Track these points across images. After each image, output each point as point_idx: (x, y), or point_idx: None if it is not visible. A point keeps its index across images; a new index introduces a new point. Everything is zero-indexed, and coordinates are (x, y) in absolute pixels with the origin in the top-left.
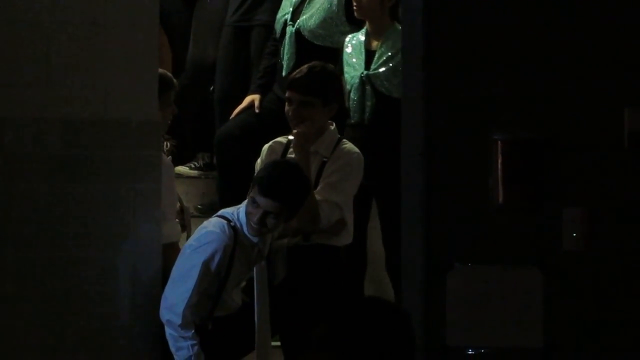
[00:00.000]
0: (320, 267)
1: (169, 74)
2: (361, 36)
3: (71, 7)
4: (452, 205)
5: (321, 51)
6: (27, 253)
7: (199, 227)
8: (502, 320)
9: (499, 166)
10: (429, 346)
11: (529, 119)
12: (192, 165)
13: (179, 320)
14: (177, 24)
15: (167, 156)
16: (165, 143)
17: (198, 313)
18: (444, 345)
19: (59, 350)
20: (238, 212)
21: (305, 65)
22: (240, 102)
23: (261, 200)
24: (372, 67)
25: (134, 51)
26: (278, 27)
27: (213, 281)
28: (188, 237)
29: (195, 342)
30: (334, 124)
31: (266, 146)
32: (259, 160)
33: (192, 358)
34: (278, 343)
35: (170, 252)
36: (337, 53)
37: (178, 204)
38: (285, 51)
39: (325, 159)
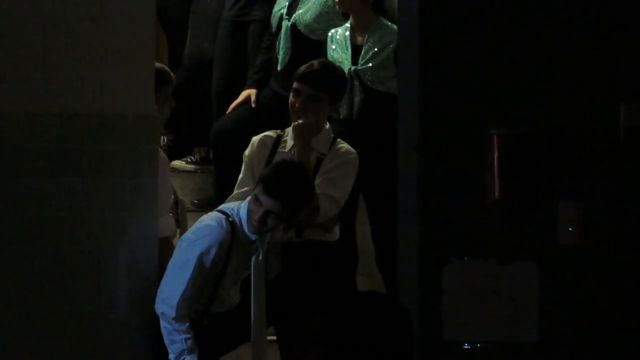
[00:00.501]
0: (315, 263)
1: (167, 69)
2: (345, 31)
3: (67, 1)
4: (448, 200)
5: (317, 45)
6: (22, 247)
7: (198, 221)
8: (498, 314)
9: (495, 161)
10: (425, 341)
11: (526, 114)
12: (189, 160)
13: (173, 313)
14: (174, 18)
15: (164, 151)
16: (161, 138)
17: (193, 307)
18: (440, 339)
19: (55, 344)
20: (239, 208)
21: (316, 61)
22: (236, 97)
23: (264, 199)
24: (360, 62)
25: (131, 45)
26: (274, 21)
27: (209, 276)
28: (182, 232)
29: (189, 336)
30: (328, 124)
31: (256, 138)
32: (247, 152)
33: (186, 352)
34: (273, 337)
35: (164, 246)
36: None
37: (173, 198)
38: (281, 45)
39: (321, 156)
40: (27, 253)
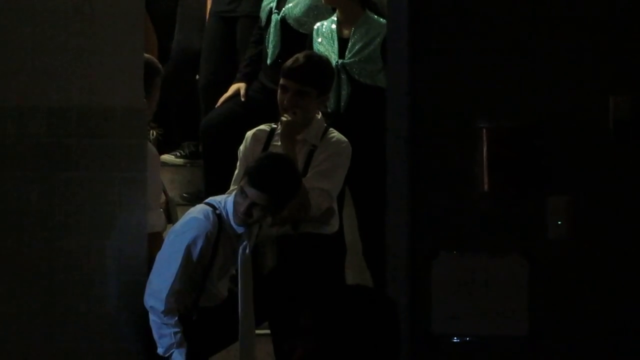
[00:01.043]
0: (311, 257)
1: (154, 60)
2: (331, 24)
3: None
4: (437, 193)
5: (306, 39)
6: (12, 241)
7: (185, 213)
8: (487, 308)
9: (484, 154)
10: (414, 334)
11: (514, 107)
12: (178, 154)
13: (162, 307)
14: (163, 12)
15: (154, 145)
16: (151, 132)
17: (182, 301)
18: (429, 333)
19: (44, 337)
20: (225, 201)
21: (302, 54)
22: (225, 91)
23: (250, 191)
24: (347, 55)
25: (120, 39)
26: (263, 15)
27: (197, 269)
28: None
29: (178, 329)
30: (320, 113)
31: (250, 133)
32: (241, 147)
33: (175, 346)
34: (263, 331)
35: (154, 241)
36: None
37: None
38: (271, 39)
39: (313, 147)
40: (15, 246)
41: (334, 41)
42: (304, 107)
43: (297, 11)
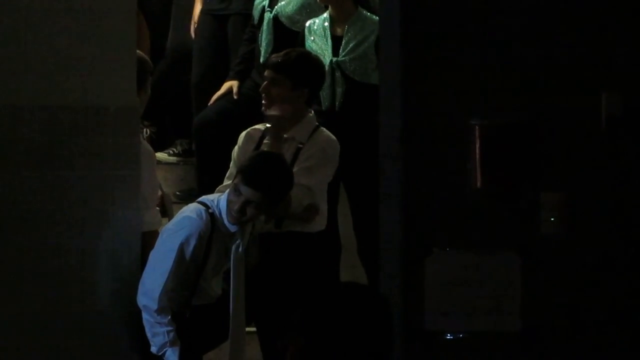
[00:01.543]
0: (293, 255)
1: (144, 55)
2: (324, 22)
3: None
4: (430, 190)
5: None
6: (5, 239)
7: (178, 212)
8: (480, 305)
9: (477, 151)
10: (407, 331)
11: (507, 104)
12: (171, 152)
13: (155, 306)
14: (157, 10)
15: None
16: (144, 130)
17: (175, 300)
18: (422, 330)
19: (37, 336)
20: (219, 200)
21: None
22: (217, 89)
23: (244, 189)
24: (341, 53)
25: (112, 37)
26: (256, 13)
27: (190, 267)
28: None
29: (171, 328)
30: (312, 111)
31: (243, 133)
32: (236, 148)
33: (168, 344)
34: (253, 329)
35: (151, 239)
36: None
37: (159, 191)
38: (263, 37)
39: (300, 145)
40: (9, 245)
41: (327, 39)
42: (279, 98)
43: (290, 9)
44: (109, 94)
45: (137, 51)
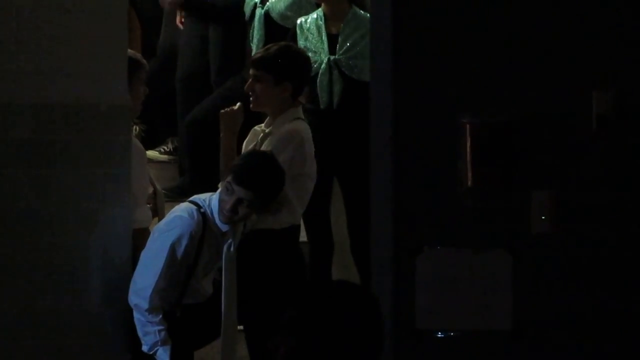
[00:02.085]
0: (257, 254)
1: (137, 54)
2: (318, 20)
3: None
4: (421, 189)
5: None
6: None
7: (170, 211)
8: (471, 303)
9: (468, 149)
10: (398, 329)
11: (498, 102)
12: (162, 150)
13: (146, 305)
14: (150, 9)
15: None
16: (134, 127)
17: (166, 299)
18: (413, 328)
19: (28, 333)
20: (210, 199)
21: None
22: (202, 84)
23: (236, 188)
24: (338, 51)
25: (104, 35)
26: (247, 9)
27: (181, 267)
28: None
29: (162, 327)
30: (300, 106)
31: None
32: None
33: (159, 343)
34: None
35: (141, 237)
36: None
37: (151, 188)
38: (255, 33)
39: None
40: (0, 242)
41: (322, 37)
42: (262, 94)
43: (281, 5)
44: (100, 92)
45: (132, 51)
